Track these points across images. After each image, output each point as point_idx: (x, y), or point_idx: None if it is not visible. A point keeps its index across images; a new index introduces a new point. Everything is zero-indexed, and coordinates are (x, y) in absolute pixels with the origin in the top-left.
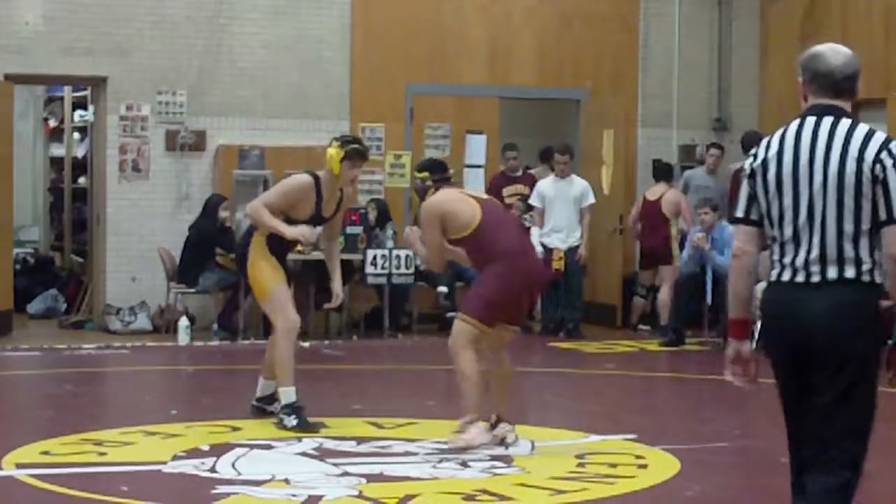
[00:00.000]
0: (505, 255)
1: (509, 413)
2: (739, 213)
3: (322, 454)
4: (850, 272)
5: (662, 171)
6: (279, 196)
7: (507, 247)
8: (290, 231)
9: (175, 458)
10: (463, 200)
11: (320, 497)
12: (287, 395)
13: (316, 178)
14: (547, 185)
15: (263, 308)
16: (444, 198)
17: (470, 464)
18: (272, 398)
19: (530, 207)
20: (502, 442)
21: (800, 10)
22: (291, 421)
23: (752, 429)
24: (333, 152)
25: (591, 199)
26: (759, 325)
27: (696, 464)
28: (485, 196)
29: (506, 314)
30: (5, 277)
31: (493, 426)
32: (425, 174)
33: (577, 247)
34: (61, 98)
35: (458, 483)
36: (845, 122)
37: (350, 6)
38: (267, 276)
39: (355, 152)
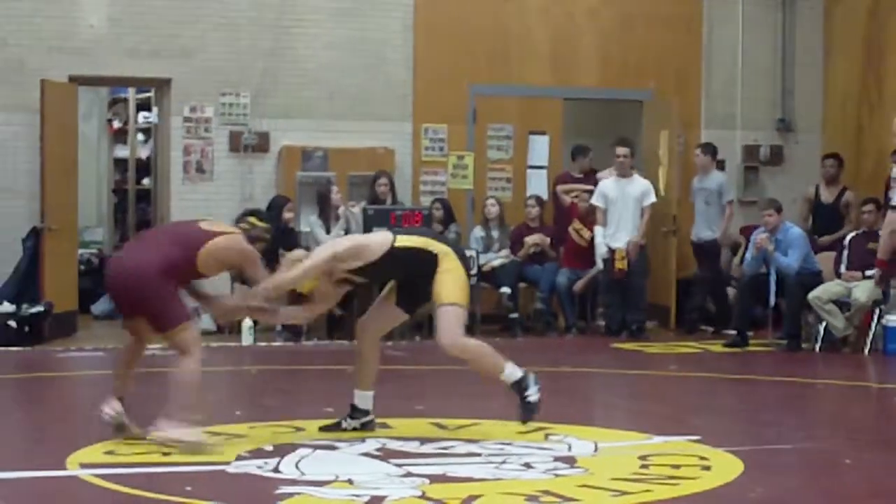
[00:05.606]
0: None
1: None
2: None
3: (385, 455)
4: None
5: None
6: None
7: None
8: None
9: (239, 458)
10: None
11: (383, 497)
12: None
13: None
14: (609, 185)
15: None
16: None
17: (533, 465)
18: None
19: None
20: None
21: (864, 10)
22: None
23: (815, 430)
24: None
25: (653, 199)
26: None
27: (760, 465)
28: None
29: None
30: (70, 278)
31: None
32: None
33: (635, 241)
34: (125, 99)
35: (522, 484)
36: None
37: (413, 7)
38: None
39: None
